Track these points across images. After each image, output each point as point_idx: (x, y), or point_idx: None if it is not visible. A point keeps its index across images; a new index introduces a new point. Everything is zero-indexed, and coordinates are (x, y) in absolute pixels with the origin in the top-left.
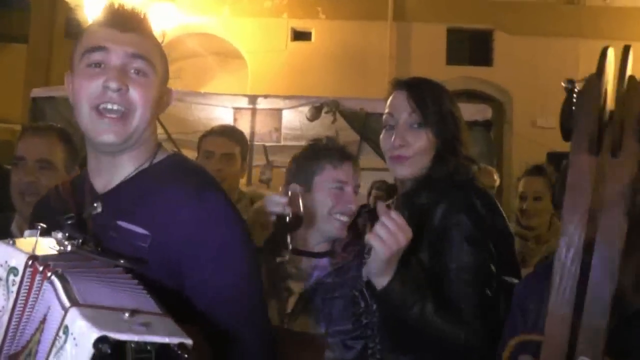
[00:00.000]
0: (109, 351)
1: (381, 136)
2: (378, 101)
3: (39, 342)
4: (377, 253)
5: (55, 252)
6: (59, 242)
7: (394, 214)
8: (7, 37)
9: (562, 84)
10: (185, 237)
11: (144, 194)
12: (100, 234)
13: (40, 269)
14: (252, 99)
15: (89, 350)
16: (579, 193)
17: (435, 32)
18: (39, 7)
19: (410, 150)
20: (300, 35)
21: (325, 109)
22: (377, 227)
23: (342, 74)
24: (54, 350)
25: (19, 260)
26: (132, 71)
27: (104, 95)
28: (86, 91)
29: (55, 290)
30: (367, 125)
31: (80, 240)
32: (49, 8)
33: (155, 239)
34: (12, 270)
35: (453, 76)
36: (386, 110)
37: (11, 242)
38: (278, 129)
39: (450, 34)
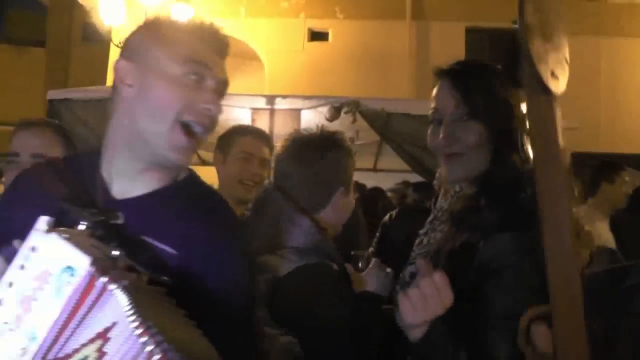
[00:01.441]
0: None
1: (428, 134)
2: (399, 101)
3: (101, 353)
4: (403, 318)
5: (107, 256)
6: (97, 243)
7: (438, 276)
8: (26, 41)
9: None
10: (202, 260)
11: (168, 212)
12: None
13: (102, 277)
14: (271, 99)
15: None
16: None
17: (454, 31)
18: (56, 11)
19: (461, 147)
20: (317, 36)
21: (345, 109)
22: (411, 289)
23: (361, 74)
24: None
25: (78, 262)
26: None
27: (196, 113)
28: (176, 100)
29: (119, 304)
30: (388, 126)
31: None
32: (66, 12)
33: (180, 258)
34: (68, 269)
35: None
36: (431, 105)
37: (65, 235)
38: (297, 130)
39: (469, 33)
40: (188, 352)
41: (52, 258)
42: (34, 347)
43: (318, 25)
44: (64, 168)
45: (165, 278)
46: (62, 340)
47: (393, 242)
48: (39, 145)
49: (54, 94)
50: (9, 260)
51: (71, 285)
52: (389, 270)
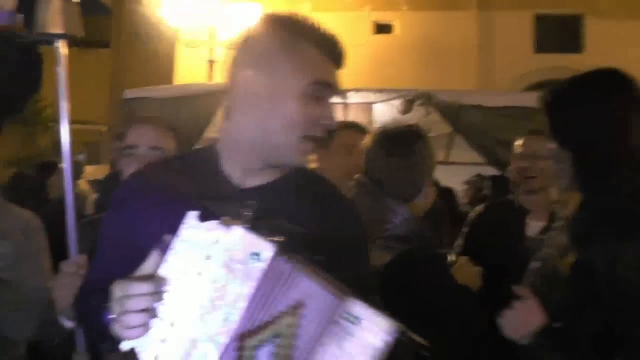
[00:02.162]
0: (405, 340)
1: None
2: (472, 93)
3: (296, 325)
4: (505, 333)
5: (278, 240)
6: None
7: (531, 301)
8: (91, 42)
9: None
10: (328, 239)
11: (289, 196)
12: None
13: (285, 259)
14: (343, 93)
15: (383, 339)
16: None
17: (521, 19)
18: (120, 12)
19: None
20: (382, 29)
21: (418, 102)
22: (509, 312)
23: (426, 66)
24: (331, 335)
25: (263, 248)
26: None
27: (319, 128)
28: (304, 119)
29: (304, 281)
30: (460, 118)
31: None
32: (130, 13)
33: (309, 236)
34: (254, 255)
35: (541, 65)
36: None
37: (247, 226)
38: (371, 123)
39: (538, 20)
40: None
41: (236, 247)
42: (230, 327)
43: (383, 18)
44: (180, 165)
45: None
46: (255, 318)
47: (480, 238)
48: (155, 138)
49: (129, 94)
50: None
51: (259, 269)
52: (477, 268)
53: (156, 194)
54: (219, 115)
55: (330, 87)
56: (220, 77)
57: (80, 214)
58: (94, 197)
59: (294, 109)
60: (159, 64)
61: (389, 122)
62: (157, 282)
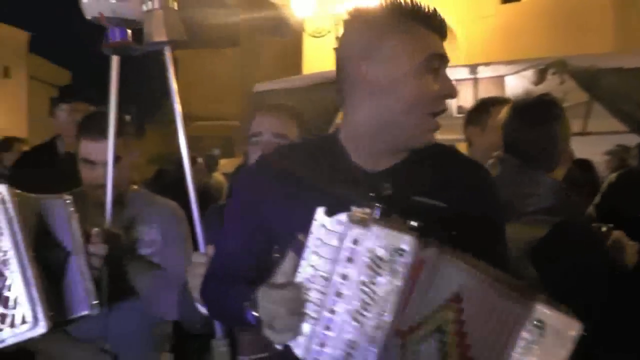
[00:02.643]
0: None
1: None
2: (609, 56)
3: (458, 316)
4: None
5: (409, 228)
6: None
7: None
8: (223, 42)
9: None
10: (466, 208)
11: (422, 173)
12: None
13: (429, 250)
14: (473, 68)
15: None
16: None
17: None
18: (245, 11)
19: None
20: None
21: (551, 71)
22: None
23: (560, 31)
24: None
25: (404, 242)
26: None
27: (441, 102)
28: (421, 96)
29: (455, 269)
30: (598, 84)
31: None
32: (255, 11)
33: (449, 210)
34: (398, 251)
35: None
36: None
37: (380, 222)
38: (518, 97)
39: None
40: None
41: (378, 244)
42: (386, 325)
43: None
44: (304, 151)
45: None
46: (412, 314)
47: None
48: (278, 125)
49: (259, 87)
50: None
51: (405, 264)
52: (633, 242)
53: (283, 180)
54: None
55: (442, 59)
56: None
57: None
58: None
59: (415, 87)
60: (286, 56)
61: (521, 94)
62: (298, 287)
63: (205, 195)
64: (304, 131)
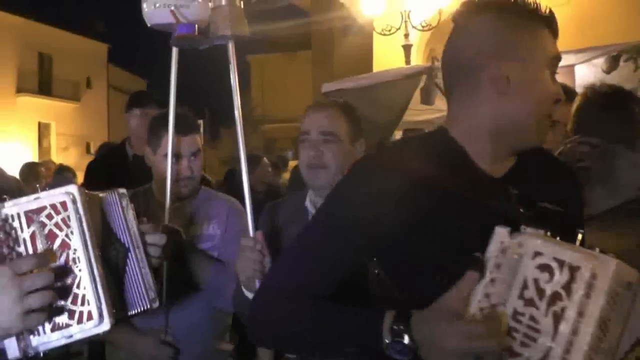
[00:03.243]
0: None
1: None
2: None
3: None
4: None
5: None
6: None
7: None
8: (294, 46)
9: None
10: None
11: (535, 177)
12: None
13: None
14: None
15: None
16: None
17: None
18: (317, 13)
19: None
20: None
21: (624, 57)
22: None
23: (635, 19)
24: None
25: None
26: None
27: (554, 103)
28: (551, 97)
29: None
30: None
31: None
32: (325, 13)
33: (564, 213)
34: (628, 286)
35: None
36: None
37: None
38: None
39: None
40: None
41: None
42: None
43: None
44: (415, 152)
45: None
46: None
47: None
48: (326, 123)
49: (327, 86)
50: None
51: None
52: None
53: (408, 188)
54: (416, 98)
55: (559, 61)
56: (415, 61)
57: None
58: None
59: (546, 88)
60: (357, 56)
61: (590, 84)
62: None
63: (272, 193)
64: (357, 127)
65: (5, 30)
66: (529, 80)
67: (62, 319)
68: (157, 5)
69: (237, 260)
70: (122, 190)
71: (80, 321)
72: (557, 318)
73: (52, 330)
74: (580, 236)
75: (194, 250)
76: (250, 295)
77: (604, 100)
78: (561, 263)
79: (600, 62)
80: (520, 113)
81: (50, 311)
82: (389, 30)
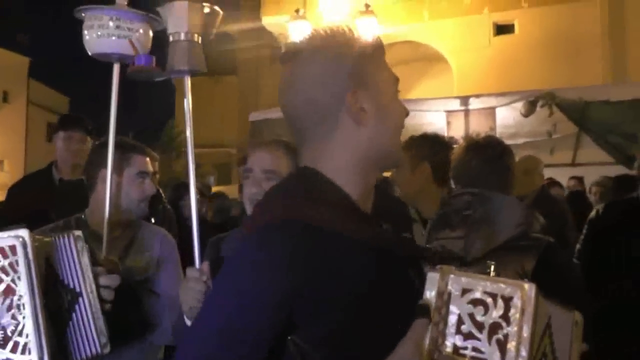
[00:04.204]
0: None
1: None
2: (596, 88)
3: (552, 343)
4: None
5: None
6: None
7: None
8: (219, 70)
9: None
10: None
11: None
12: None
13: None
14: (464, 100)
15: None
16: None
17: None
18: (244, 40)
19: None
20: (503, 29)
21: (540, 103)
22: None
23: (552, 63)
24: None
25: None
26: None
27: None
28: (404, 114)
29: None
30: (586, 116)
31: None
32: (253, 40)
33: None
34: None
35: None
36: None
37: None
38: (493, 129)
39: None
40: None
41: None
42: None
43: (503, 18)
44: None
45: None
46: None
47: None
48: (269, 161)
49: (254, 116)
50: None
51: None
52: None
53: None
54: None
55: (398, 80)
56: None
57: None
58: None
59: (397, 109)
60: None
61: (511, 125)
62: None
63: (202, 222)
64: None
65: None
66: (383, 104)
67: None
68: (102, 34)
69: (181, 291)
70: (78, 233)
71: None
72: (502, 345)
73: None
74: (492, 267)
75: (132, 284)
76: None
77: (484, 154)
78: (494, 296)
79: (519, 106)
80: (382, 136)
81: None
82: None
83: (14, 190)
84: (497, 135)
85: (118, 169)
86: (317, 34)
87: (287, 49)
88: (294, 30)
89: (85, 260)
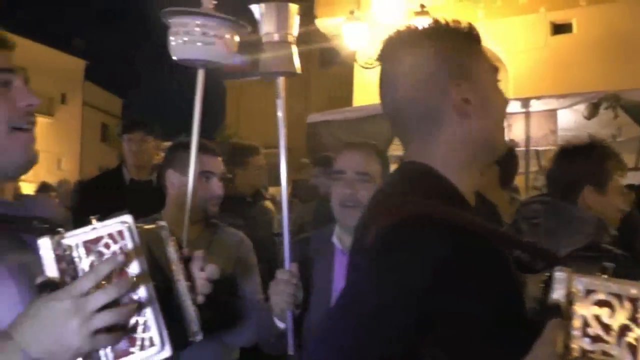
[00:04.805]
0: None
1: None
2: None
3: None
4: None
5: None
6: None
7: None
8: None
9: None
10: None
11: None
12: None
13: None
14: (525, 102)
15: None
16: None
17: None
18: (297, 42)
19: None
20: (560, 28)
21: (604, 105)
22: None
23: (613, 64)
24: None
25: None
26: None
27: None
28: (504, 105)
29: None
30: None
31: None
32: (304, 41)
33: None
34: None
35: None
36: None
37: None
38: (554, 131)
39: None
40: None
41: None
42: None
43: (560, 17)
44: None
45: None
46: None
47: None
48: (363, 163)
49: (313, 118)
50: None
51: None
52: None
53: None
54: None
55: (497, 69)
56: None
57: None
58: (278, 216)
59: (499, 99)
60: (337, 87)
61: (572, 128)
62: None
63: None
64: (387, 170)
65: None
66: (486, 95)
67: (123, 345)
68: (188, 40)
69: (271, 293)
70: (162, 223)
71: (142, 348)
72: (633, 348)
73: (115, 358)
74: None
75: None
76: (282, 325)
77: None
78: (619, 297)
79: (581, 108)
80: (487, 127)
81: (120, 332)
82: (372, 64)
83: (89, 189)
84: (558, 138)
85: (182, 169)
86: (414, 28)
87: (384, 46)
88: (348, 31)
89: (171, 249)
